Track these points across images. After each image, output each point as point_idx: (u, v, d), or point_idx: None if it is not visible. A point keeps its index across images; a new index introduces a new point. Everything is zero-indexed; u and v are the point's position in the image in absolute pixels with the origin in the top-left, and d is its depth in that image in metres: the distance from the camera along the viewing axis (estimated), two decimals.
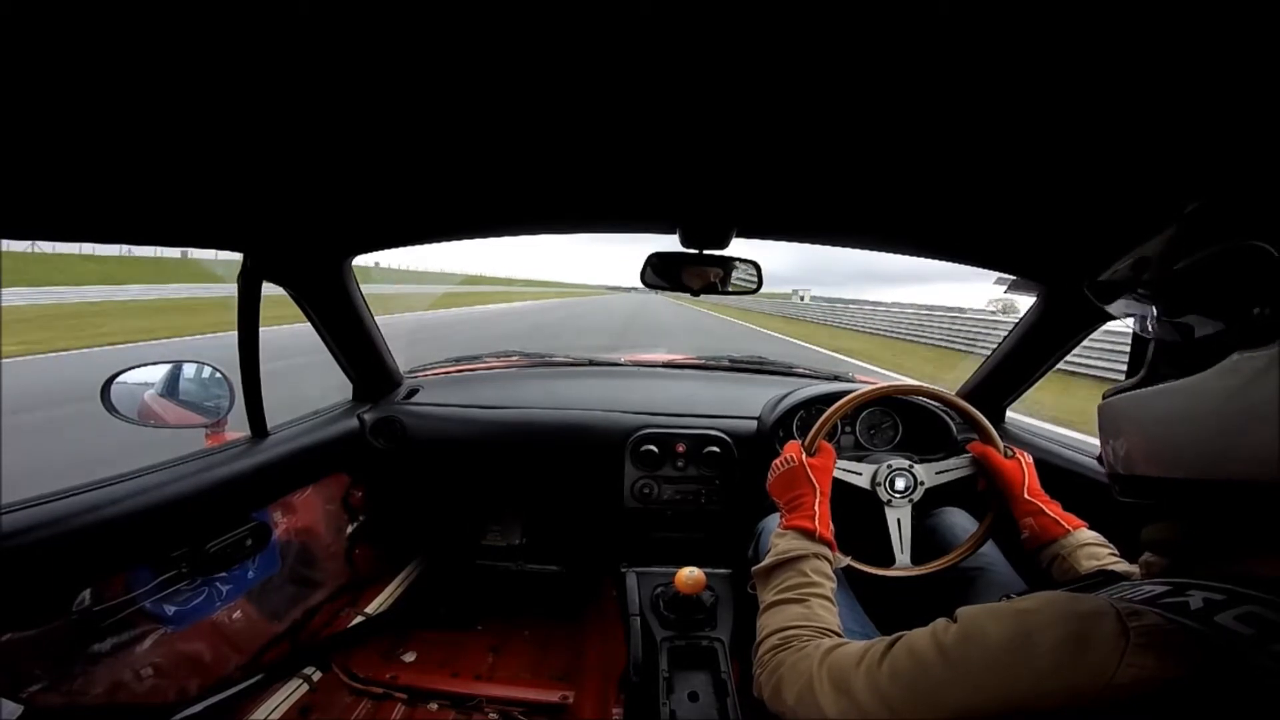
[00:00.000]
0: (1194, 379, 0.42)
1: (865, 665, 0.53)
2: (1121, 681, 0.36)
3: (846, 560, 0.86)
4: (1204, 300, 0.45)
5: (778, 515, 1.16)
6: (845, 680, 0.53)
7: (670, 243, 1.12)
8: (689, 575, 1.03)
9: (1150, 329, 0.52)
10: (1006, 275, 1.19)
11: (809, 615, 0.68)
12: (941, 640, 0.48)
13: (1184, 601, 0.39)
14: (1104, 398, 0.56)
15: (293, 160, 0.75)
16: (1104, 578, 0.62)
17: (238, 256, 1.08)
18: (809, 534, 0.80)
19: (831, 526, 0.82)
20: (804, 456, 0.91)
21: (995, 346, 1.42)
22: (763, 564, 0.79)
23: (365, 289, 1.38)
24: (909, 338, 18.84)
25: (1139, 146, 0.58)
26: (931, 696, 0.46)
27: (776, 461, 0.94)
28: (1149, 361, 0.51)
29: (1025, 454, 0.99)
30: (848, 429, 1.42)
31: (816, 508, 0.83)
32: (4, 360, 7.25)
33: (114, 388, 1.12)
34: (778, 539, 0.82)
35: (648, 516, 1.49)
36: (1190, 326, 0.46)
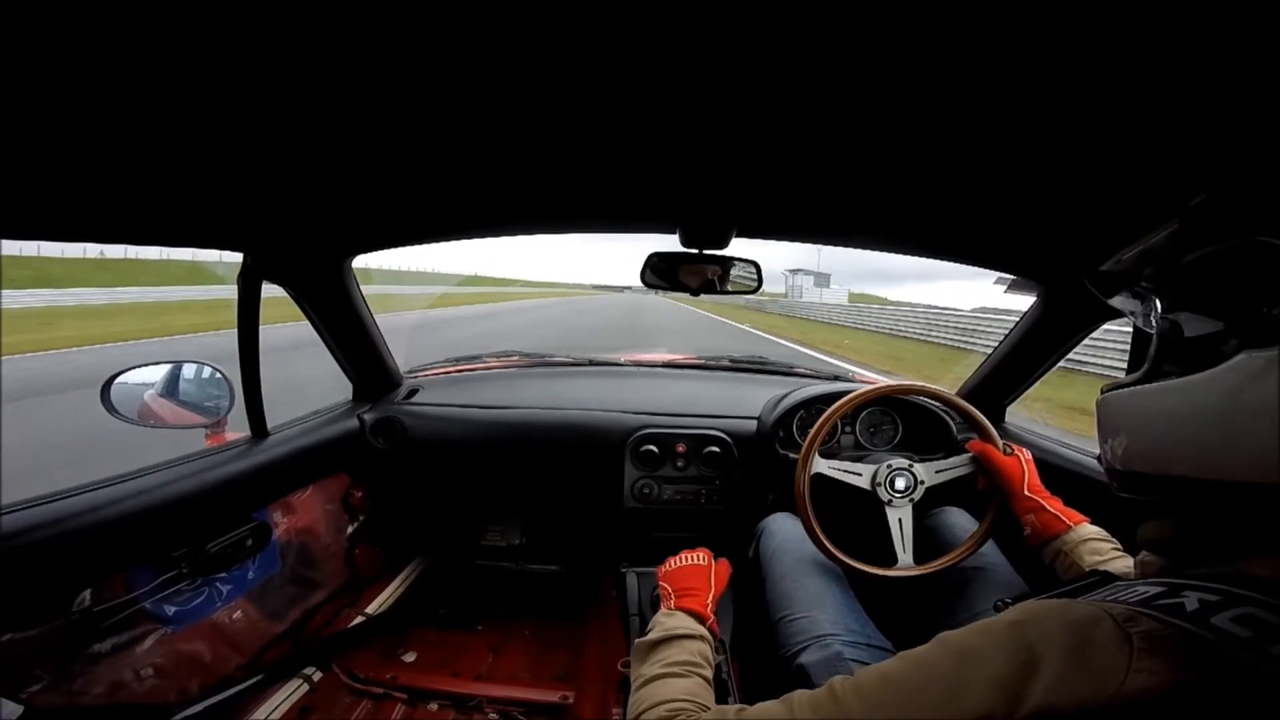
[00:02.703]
0: (1198, 376, 0.42)
1: (827, 692, 0.47)
2: (1132, 688, 0.35)
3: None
4: (1212, 296, 0.44)
5: (779, 515, 1.14)
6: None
7: (670, 242, 1.12)
8: None
9: (1153, 324, 0.51)
10: (1006, 275, 1.19)
11: (695, 692, 0.62)
12: (930, 660, 0.44)
13: (1179, 603, 0.38)
14: (1102, 392, 0.55)
15: (293, 160, 0.75)
16: (1096, 579, 0.60)
17: (237, 256, 1.08)
18: (700, 618, 0.76)
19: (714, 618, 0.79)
20: (713, 561, 0.89)
21: (995, 346, 1.43)
22: (648, 637, 0.73)
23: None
24: None
25: (1139, 145, 0.58)
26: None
27: (679, 556, 0.92)
28: (1151, 357, 0.50)
29: (1024, 451, 0.99)
30: (848, 429, 1.42)
31: (710, 600, 0.81)
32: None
33: (114, 388, 1.12)
34: (666, 617, 0.77)
35: (648, 516, 1.49)
36: (1194, 322, 0.46)
